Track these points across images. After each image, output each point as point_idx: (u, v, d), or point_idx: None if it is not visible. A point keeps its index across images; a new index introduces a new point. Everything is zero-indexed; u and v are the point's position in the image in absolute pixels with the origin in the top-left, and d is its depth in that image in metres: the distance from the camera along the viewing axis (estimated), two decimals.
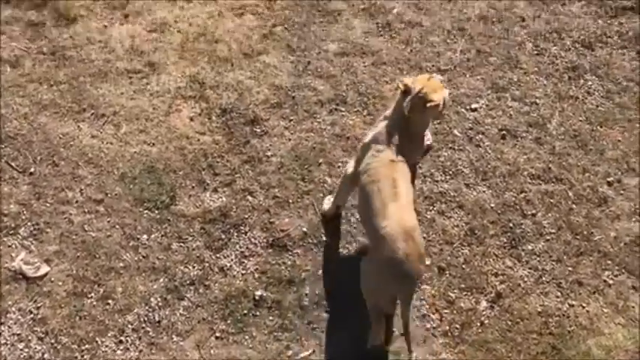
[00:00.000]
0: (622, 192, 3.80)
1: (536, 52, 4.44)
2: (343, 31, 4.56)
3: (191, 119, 4.10)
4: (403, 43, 4.50)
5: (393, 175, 3.18)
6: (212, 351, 3.36)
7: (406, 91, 3.25)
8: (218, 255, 3.63)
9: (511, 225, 3.70)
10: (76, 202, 3.78)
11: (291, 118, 4.13)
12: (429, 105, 3.22)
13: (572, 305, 3.49)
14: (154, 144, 3.99)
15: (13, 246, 3.63)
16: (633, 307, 3.47)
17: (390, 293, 3.19)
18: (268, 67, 4.35)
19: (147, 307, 3.47)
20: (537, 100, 4.19)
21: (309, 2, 4.66)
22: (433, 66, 4.38)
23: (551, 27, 4.54)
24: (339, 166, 3.90)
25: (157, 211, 3.74)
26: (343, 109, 4.19)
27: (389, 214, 3.09)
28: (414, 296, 3.31)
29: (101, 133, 4.04)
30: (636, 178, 3.85)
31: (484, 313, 3.47)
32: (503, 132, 4.06)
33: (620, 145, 3.99)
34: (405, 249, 3.03)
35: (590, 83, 4.27)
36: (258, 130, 4.07)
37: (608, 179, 3.85)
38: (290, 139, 4.04)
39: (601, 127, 4.07)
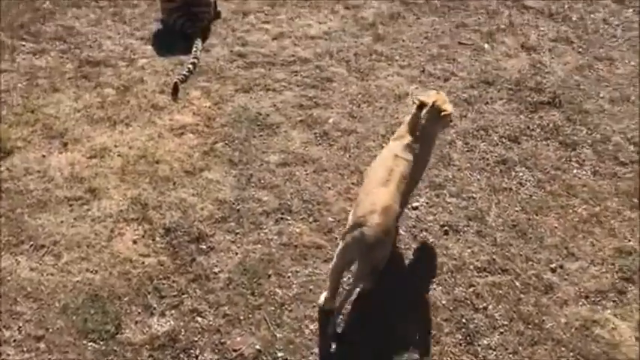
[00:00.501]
0: (566, 277, 3.90)
1: (466, 149, 4.67)
2: (283, 142, 4.69)
3: (134, 242, 4.04)
4: (341, 150, 4.66)
5: (393, 165, 3.59)
6: None
7: (421, 106, 3.74)
8: None
9: (464, 320, 3.70)
10: (14, 340, 3.57)
11: (237, 231, 4.13)
12: (443, 114, 3.74)
13: None
14: (96, 271, 3.88)
15: None
16: None
17: (348, 254, 3.45)
18: (211, 182, 4.39)
19: None
20: (474, 195, 4.35)
21: (248, 118, 4.82)
22: None
23: (478, 125, 4.81)
24: (289, 277, 3.87)
25: (102, 342, 3.57)
26: (289, 217, 4.22)
27: (373, 192, 3.48)
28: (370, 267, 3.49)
29: (41, 264, 3.91)
30: (577, 262, 3.97)
31: None
32: (446, 228, 4.16)
33: (557, 231, 4.13)
34: (366, 212, 3.38)
35: (521, 174, 4.49)
36: (204, 247, 4.03)
37: (551, 265, 3.95)
38: (237, 253, 4.01)
39: (537, 215, 4.23)
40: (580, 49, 5.36)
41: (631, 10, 5.66)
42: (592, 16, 5.63)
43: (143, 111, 4.87)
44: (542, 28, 5.44)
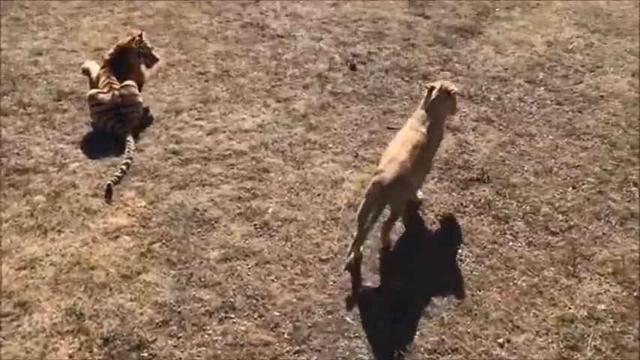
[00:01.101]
0: (514, 351, 3.92)
1: (405, 229, 4.74)
2: (223, 237, 4.63)
3: (70, 357, 3.80)
4: (283, 240, 4.64)
5: (409, 135, 4.45)
6: None
7: (430, 90, 4.64)
8: None
9: None
10: None
11: (180, 335, 3.96)
12: (452, 93, 4.65)
13: None
14: None
15: None
16: None
17: (370, 197, 4.23)
18: (149, 285, 4.25)
19: None
20: (419, 275, 4.38)
21: (185, 215, 4.76)
22: (315, 257, 4.50)
23: (413, 204, 4.93)
24: None
25: None
26: (233, 315, 4.11)
27: (391, 152, 4.35)
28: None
29: None
30: (523, 335, 4.01)
31: None
32: (393, 311, 4.14)
33: (501, 305, 4.19)
34: (385, 164, 4.25)
35: (460, 251, 4.58)
36: (146, 355, 3.84)
37: (499, 340, 3.97)
38: (181, 358, 3.84)
39: (479, 290, 4.29)
40: (501, 127, 5.66)
41: (542, 88, 6.08)
42: (508, 95, 6.00)
43: (76, 216, 4.74)
44: (463, 110, 5.74)
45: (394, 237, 4.62)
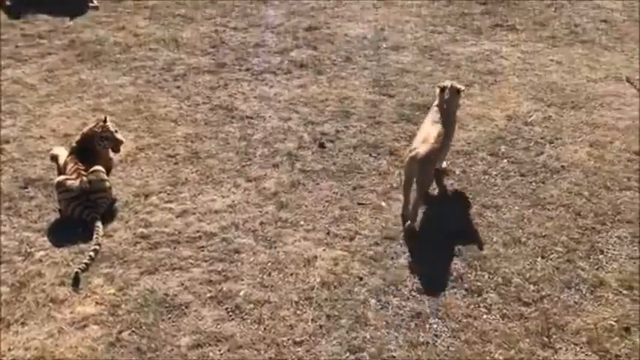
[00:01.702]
0: None
1: (380, 306, 4.71)
2: (194, 322, 4.53)
3: None
4: (255, 323, 4.55)
5: (431, 127, 5.58)
6: None
7: (442, 89, 5.78)
8: None
9: None
10: None
11: None
12: (460, 91, 5.83)
13: None
14: None
15: None
16: None
17: (407, 170, 5.43)
18: None
19: None
20: (393, 354, 4.33)
21: (155, 301, 4.65)
22: (289, 339, 4.42)
23: (388, 280, 4.92)
24: None
25: None
26: None
27: (420, 137, 5.50)
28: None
29: None
30: None
31: None
32: None
33: None
34: (417, 144, 5.40)
35: (435, 326, 4.55)
36: None
37: None
38: None
39: None
40: (468, 199, 5.77)
41: (505, 160, 6.26)
42: (473, 168, 6.15)
43: (41, 307, 4.60)
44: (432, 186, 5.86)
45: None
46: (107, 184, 5.56)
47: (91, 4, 8.76)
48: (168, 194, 5.77)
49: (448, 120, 5.71)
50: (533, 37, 8.47)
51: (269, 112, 6.94)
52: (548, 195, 5.82)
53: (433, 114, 5.72)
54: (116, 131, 5.90)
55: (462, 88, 5.90)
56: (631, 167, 6.17)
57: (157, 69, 7.56)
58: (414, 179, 5.39)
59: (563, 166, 6.18)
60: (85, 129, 5.86)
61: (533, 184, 5.97)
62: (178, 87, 7.30)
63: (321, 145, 6.44)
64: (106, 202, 5.50)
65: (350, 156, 6.31)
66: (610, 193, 5.84)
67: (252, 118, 6.85)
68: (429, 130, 5.54)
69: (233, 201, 5.71)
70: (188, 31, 8.34)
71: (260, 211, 5.60)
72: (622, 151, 6.38)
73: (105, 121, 5.82)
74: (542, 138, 6.59)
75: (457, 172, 6.08)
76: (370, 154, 6.34)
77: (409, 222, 5.36)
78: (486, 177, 6.05)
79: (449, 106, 5.75)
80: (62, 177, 5.51)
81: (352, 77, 7.56)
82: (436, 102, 5.81)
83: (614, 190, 5.88)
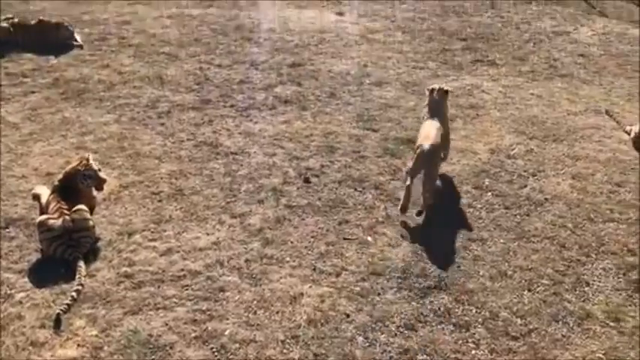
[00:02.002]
0: None
1: (367, 343, 4.65)
2: None
3: None
4: None
5: (430, 124, 6.22)
6: None
7: (431, 91, 6.40)
8: None
9: None
10: None
11: None
12: (448, 91, 6.52)
13: None
14: None
15: None
16: None
17: (415, 162, 6.00)
18: None
19: None
20: None
21: (138, 342, 4.55)
22: None
23: (375, 317, 4.87)
24: None
25: None
26: None
27: (423, 133, 6.16)
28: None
29: None
30: None
31: None
32: None
33: None
34: (422, 140, 6.00)
35: None
36: None
37: None
38: None
39: None
40: (454, 233, 5.78)
41: (489, 193, 6.30)
42: (458, 202, 6.18)
43: (21, 350, 4.47)
44: (417, 218, 5.87)
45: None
46: (90, 222, 5.49)
47: (75, 43, 8.81)
48: (152, 232, 5.71)
49: (441, 118, 6.32)
50: (513, 72, 8.65)
51: (254, 147, 6.96)
52: (532, 227, 5.85)
53: (426, 115, 6.42)
54: (99, 169, 5.86)
55: (450, 89, 6.68)
56: (613, 199, 6.24)
57: (141, 106, 7.57)
58: (423, 171, 6.02)
59: (546, 199, 6.24)
60: (68, 167, 5.81)
61: (518, 216, 6.01)
62: (162, 124, 7.30)
63: (306, 180, 6.45)
64: (89, 241, 5.43)
65: (335, 191, 6.32)
66: (594, 225, 5.89)
67: (236, 154, 6.85)
68: (428, 128, 6.16)
69: (218, 238, 5.66)
70: (172, 69, 8.39)
71: (245, 248, 5.56)
72: (604, 183, 6.46)
73: (88, 159, 5.79)
74: (525, 171, 6.66)
75: (442, 206, 6.10)
76: (355, 189, 6.35)
77: (429, 203, 5.98)
78: (471, 210, 6.08)
79: (439, 105, 6.37)
80: (44, 216, 5.43)
81: (336, 112, 7.63)
82: (426, 102, 6.49)
83: (597, 221, 5.94)
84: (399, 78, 8.40)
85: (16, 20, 8.79)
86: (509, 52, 9.16)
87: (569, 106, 7.83)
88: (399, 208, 5.91)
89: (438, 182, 6.19)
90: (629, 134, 7.23)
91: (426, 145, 5.92)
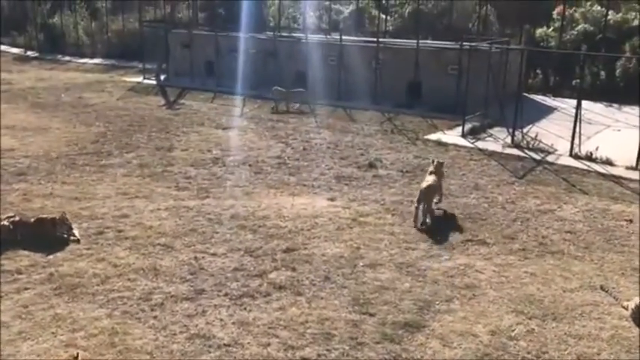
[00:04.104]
0: None
1: None
2: None
3: None
4: None
5: (429, 177, 10.09)
6: None
7: (433, 161, 10.42)
8: None
9: None
10: None
11: None
12: (442, 165, 10.45)
13: None
14: None
15: None
16: None
17: (419, 196, 9.65)
18: None
19: None
20: None
21: None
22: None
23: None
24: None
25: None
26: None
27: (423, 183, 9.91)
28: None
29: None
30: None
31: None
32: None
33: None
34: (422, 185, 9.85)
35: None
36: None
37: None
38: None
39: None
40: None
41: None
42: None
43: None
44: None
45: None
46: None
47: (72, 238, 8.98)
48: None
49: (438, 179, 10.12)
50: (505, 250, 8.77)
51: (247, 338, 6.77)
52: None
53: (429, 175, 10.09)
54: None
55: (443, 162, 10.61)
56: None
57: (134, 299, 7.50)
58: (423, 203, 9.56)
59: None
60: None
61: None
62: (155, 317, 7.17)
63: None
64: None
65: None
66: None
67: (229, 345, 6.65)
68: (427, 179, 9.96)
69: None
70: (167, 260, 8.47)
71: None
72: None
73: (76, 357, 5.58)
74: (528, 353, 6.44)
75: None
76: None
77: (424, 220, 9.62)
78: None
79: (437, 170, 10.22)
80: None
81: (332, 297, 7.56)
82: (429, 170, 10.27)
83: None
84: (392, 259, 8.47)
85: (17, 219, 9.07)
86: (499, 231, 9.38)
87: (564, 283, 7.82)
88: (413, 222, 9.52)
89: (436, 211, 9.82)
90: (626, 309, 7.14)
91: (424, 185, 9.73)
